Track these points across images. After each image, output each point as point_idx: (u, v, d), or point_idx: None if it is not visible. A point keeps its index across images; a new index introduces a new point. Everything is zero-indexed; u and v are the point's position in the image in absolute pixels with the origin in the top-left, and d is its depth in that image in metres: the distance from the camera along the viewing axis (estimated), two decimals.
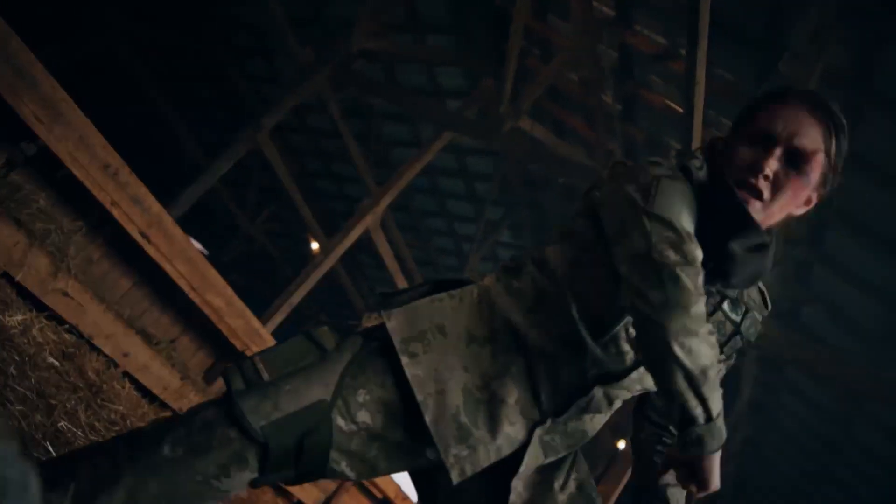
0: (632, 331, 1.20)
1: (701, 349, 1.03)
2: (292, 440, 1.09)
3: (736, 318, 1.27)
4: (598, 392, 1.21)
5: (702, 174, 1.24)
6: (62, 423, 2.42)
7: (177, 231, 3.66)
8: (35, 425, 2.18)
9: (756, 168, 1.19)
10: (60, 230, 3.37)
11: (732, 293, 1.27)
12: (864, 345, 6.11)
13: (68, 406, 2.63)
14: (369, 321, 6.82)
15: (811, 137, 1.19)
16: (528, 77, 6.42)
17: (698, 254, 1.09)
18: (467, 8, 7.21)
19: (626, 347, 1.22)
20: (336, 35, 7.33)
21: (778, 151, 1.19)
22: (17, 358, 2.50)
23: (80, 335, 3.49)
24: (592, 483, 1.29)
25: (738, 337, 1.28)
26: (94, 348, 3.59)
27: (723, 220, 1.18)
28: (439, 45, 8.09)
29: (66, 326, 3.39)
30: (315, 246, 11.23)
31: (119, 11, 9.32)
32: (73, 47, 9.42)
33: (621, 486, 4.02)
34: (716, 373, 1.06)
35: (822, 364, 4.33)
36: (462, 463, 1.14)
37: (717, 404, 1.06)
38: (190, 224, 17.38)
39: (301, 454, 1.09)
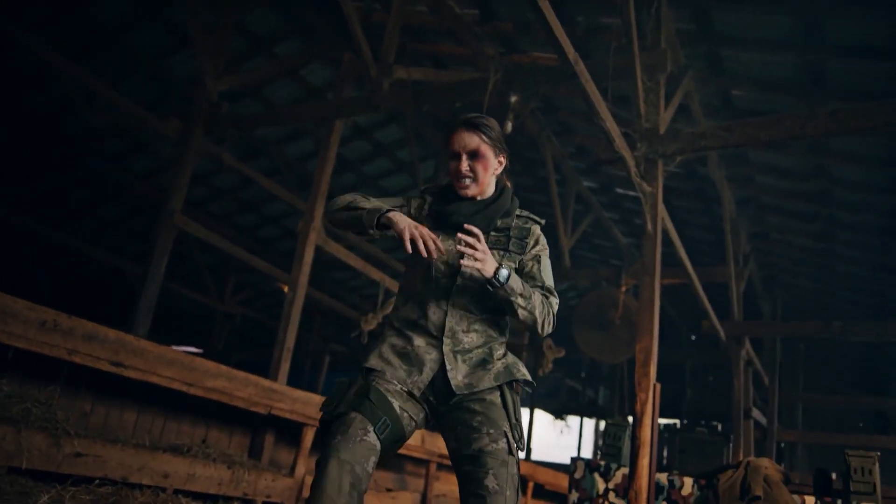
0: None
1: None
2: (348, 390, 1.99)
3: (503, 235, 2.17)
4: (447, 309, 2.10)
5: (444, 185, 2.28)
6: None
7: (143, 344, 3.64)
8: None
9: (458, 173, 2.13)
10: (38, 403, 3.34)
11: (495, 230, 2.18)
12: (795, 94, 6.24)
13: None
14: (367, 323, 6.90)
15: (473, 141, 2.12)
16: (381, 32, 6.37)
17: None
18: (295, 4, 7.10)
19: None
20: (190, 93, 7.20)
21: (464, 157, 2.12)
22: None
23: (114, 482, 3.49)
24: (518, 366, 2.11)
25: (511, 240, 2.16)
26: (133, 486, 3.59)
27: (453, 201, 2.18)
28: (288, 52, 7.99)
29: (97, 482, 3.38)
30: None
31: None
32: None
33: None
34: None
35: (765, 131, 4.41)
36: (416, 385, 2.04)
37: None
38: (169, 334, 17.23)
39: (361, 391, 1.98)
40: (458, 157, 2.13)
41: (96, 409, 3.95)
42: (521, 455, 1.98)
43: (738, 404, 8.95)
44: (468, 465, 1.93)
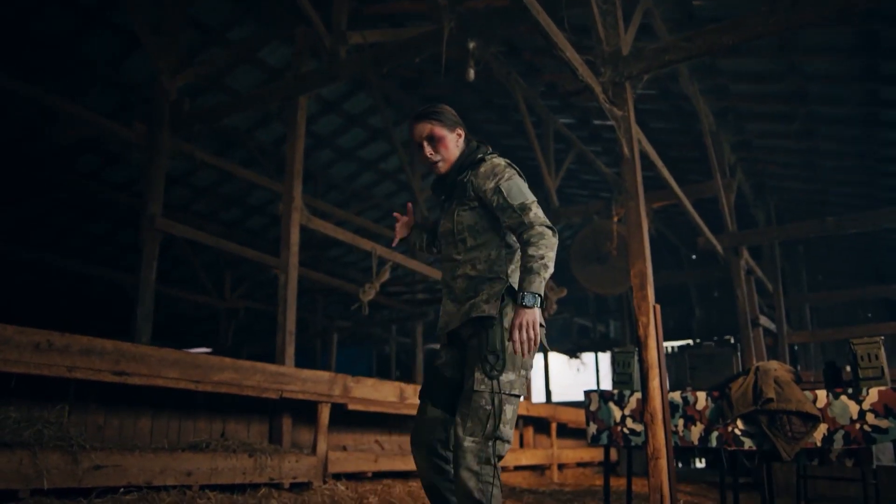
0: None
1: None
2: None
3: (459, 189, 2.47)
4: (443, 267, 2.52)
5: None
6: None
7: (142, 349, 3.63)
8: None
9: (426, 159, 2.52)
10: (49, 423, 3.35)
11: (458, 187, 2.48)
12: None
13: None
14: (366, 294, 6.91)
15: (425, 129, 2.49)
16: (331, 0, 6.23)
17: None
18: None
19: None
20: (150, 95, 7.09)
21: (425, 145, 2.50)
22: None
23: (139, 487, 3.52)
24: (482, 305, 2.30)
25: (469, 186, 2.42)
26: (158, 489, 3.62)
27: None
28: (242, 37, 7.84)
29: (121, 490, 3.41)
30: None
31: None
32: None
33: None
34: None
35: (728, 35, 4.33)
36: (442, 334, 2.47)
37: None
38: (176, 339, 17.23)
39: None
40: (421, 147, 2.51)
41: (109, 421, 3.97)
42: (510, 376, 2.24)
43: (744, 314, 9.02)
44: None
